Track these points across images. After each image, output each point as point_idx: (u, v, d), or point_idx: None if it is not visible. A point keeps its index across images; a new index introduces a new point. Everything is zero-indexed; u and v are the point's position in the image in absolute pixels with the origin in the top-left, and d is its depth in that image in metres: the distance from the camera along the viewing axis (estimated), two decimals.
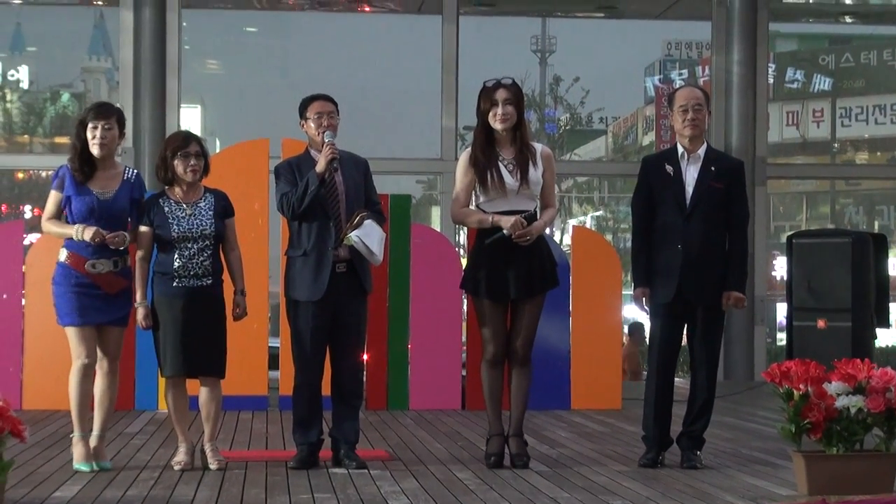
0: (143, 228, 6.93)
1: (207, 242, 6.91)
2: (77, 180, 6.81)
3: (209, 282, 6.90)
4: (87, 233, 6.70)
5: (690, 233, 7.04)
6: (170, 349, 6.88)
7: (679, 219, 7.06)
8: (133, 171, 7.01)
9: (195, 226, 6.89)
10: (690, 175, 7.10)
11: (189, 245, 6.88)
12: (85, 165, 6.80)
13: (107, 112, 6.87)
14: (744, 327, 14.14)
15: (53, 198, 6.87)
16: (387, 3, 16.34)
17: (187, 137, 7.03)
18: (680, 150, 7.16)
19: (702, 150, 7.15)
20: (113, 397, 6.95)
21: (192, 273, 6.87)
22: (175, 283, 6.87)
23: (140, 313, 6.91)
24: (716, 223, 7.09)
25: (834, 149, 26.57)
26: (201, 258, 6.90)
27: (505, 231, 6.90)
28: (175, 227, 6.87)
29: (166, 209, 6.92)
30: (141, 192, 6.99)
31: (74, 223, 6.77)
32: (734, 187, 7.16)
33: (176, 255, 6.88)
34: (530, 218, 6.97)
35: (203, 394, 6.97)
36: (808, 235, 13.06)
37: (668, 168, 7.13)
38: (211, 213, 6.95)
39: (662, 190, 7.12)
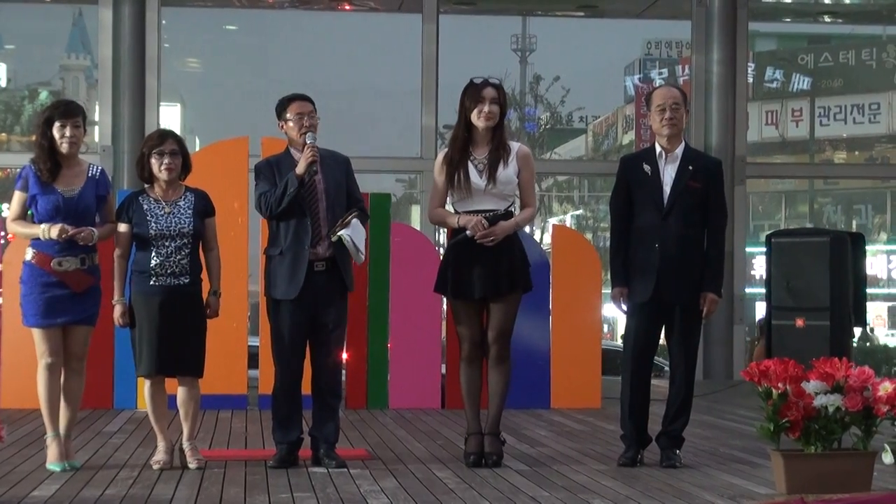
0: (121, 226, 6.92)
1: (185, 241, 6.89)
2: (42, 179, 6.78)
3: (186, 280, 6.88)
4: (54, 231, 6.67)
5: (668, 232, 7.05)
6: (146, 348, 6.85)
7: (656, 218, 7.07)
8: (98, 168, 6.98)
9: (173, 224, 6.87)
10: (668, 175, 7.11)
11: (167, 243, 6.86)
12: (52, 164, 6.78)
13: (74, 111, 6.86)
14: (723, 326, 14.17)
15: (18, 198, 6.84)
16: (367, 1, 16.32)
17: (163, 135, 7.01)
18: (658, 149, 7.16)
19: (679, 150, 7.16)
20: (78, 397, 6.93)
21: (169, 271, 6.85)
22: (152, 282, 6.85)
23: (117, 311, 6.89)
24: (693, 223, 7.10)
25: (812, 148, 26.67)
26: (179, 257, 6.88)
27: (467, 232, 6.91)
28: (153, 224, 6.85)
29: (145, 207, 6.90)
30: (106, 189, 6.97)
31: (41, 222, 6.74)
32: (712, 187, 7.17)
33: (153, 254, 6.86)
34: (494, 218, 6.96)
35: (181, 393, 6.95)
36: (787, 234, 13.10)
37: (646, 167, 7.14)
38: (190, 211, 6.93)
39: (640, 189, 7.13)
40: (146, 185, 7.01)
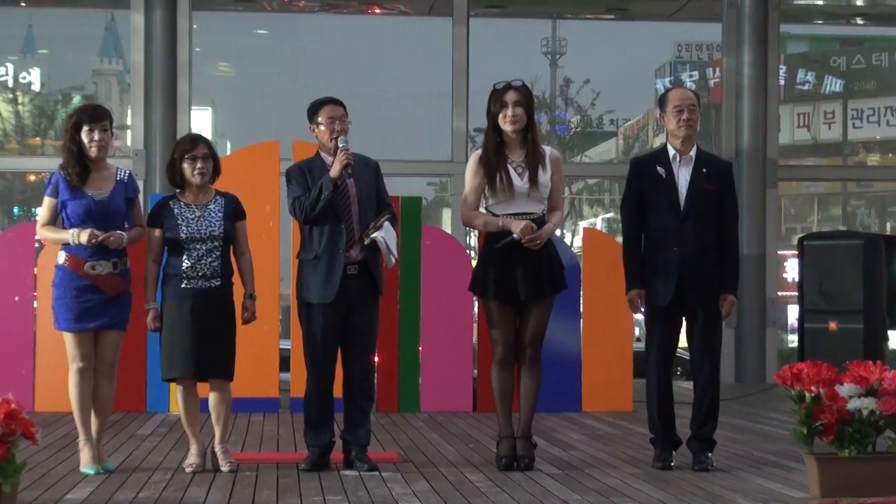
0: (154, 231, 6.95)
1: (216, 244, 6.92)
2: (71, 184, 6.82)
3: (218, 283, 6.91)
4: (83, 235, 6.71)
5: (686, 235, 7.04)
6: (177, 350, 6.88)
7: (674, 221, 7.06)
8: (125, 172, 7.02)
9: (204, 227, 6.91)
10: (683, 177, 7.12)
11: (198, 246, 6.89)
12: (81, 168, 6.82)
13: (102, 115, 6.90)
14: (755, 329, 14.09)
15: (48, 204, 6.88)
16: (397, 5, 16.34)
17: (194, 140, 7.05)
18: (671, 151, 7.16)
19: (693, 152, 7.17)
20: (109, 403, 6.96)
21: (200, 274, 6.88)
22: (184, 285, 6.88)
23: (150, 315, 6.92)
24: (709, 224, 7.10)
25: (845, 150, 26.50)
26: (210, 259, 6.91)
27: (515, 235, 6.91)
28: (184, 228, 6.89)
29: (176, 211, 6.94)
30: (134, 192, 7.01)
31: (72, 226, 6.78)
32: (725, 189, 7.18)
33: (185, 257, 6.89)
34: (539, 221, 6.97)
35: (212, 397, 6.98)
36: (820, 237, 13.04)
37: (660, 170, 7.14)
38: (220, 214, 6.96)
39: (655, 192, 7.13)
40: (177, 190, 7.05)
